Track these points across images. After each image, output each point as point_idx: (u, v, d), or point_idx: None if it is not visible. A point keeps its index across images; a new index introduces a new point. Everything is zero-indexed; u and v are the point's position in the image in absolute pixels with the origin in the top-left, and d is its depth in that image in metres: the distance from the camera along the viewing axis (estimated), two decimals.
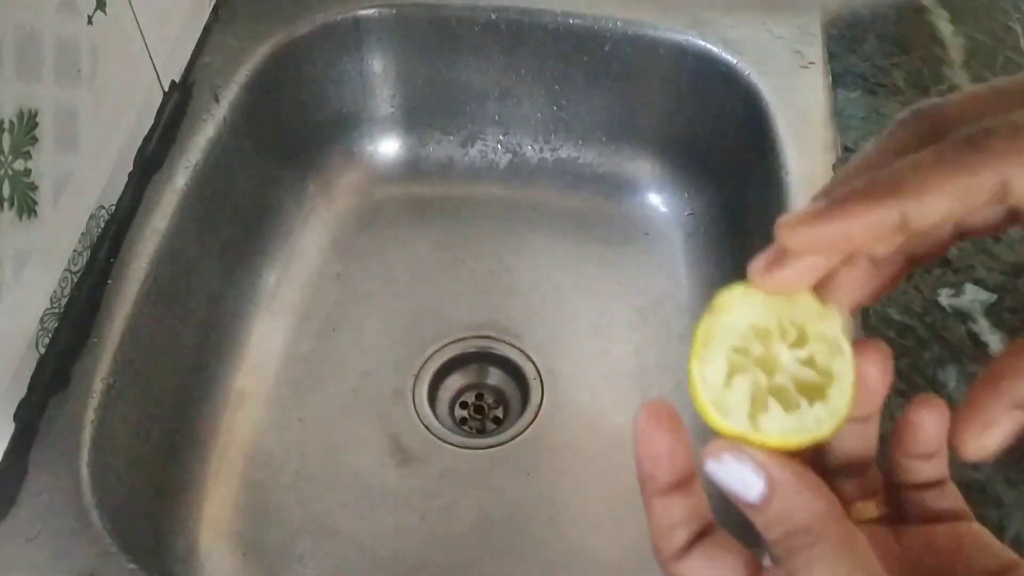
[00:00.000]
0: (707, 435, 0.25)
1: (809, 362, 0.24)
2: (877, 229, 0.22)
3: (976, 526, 0.26)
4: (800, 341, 0.24)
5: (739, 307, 0.24)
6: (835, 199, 0.22)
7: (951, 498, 0.26)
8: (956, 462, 0.51)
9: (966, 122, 0.22)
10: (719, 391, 0.24)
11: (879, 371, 0.24)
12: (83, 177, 0.58)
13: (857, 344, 0.24)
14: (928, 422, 0.25)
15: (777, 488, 0.23)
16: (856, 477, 0.26)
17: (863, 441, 0.26)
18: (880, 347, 0.24)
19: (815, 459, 0.26)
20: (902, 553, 0.26)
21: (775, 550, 0.23)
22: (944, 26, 0.75)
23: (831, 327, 0.24)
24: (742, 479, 0.23)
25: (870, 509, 0.26)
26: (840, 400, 0.23)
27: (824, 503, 0.23)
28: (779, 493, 0.23)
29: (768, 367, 0.24)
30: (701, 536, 0.25)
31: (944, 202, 0.21)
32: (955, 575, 0.25)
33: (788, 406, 0.23)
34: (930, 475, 0.26)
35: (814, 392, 0.24)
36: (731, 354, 0.24)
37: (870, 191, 0.22)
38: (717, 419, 0.24)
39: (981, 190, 0.21)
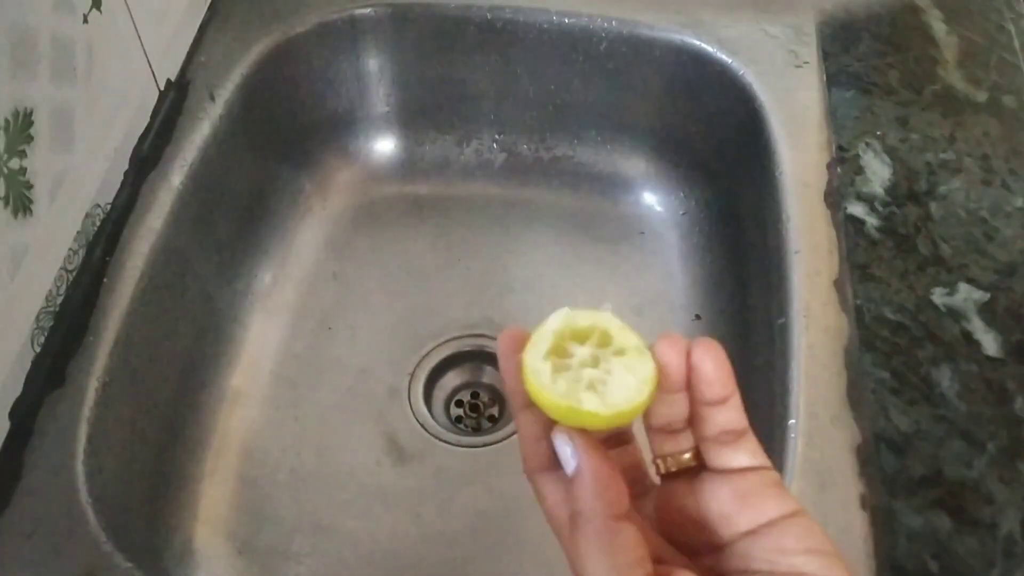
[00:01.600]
0: None
1: (619, 353, 0.30)
2: None
3: (772, 475, 0.31)
4: (606, 342, 0.31)
5: (559, 318, 0.31)
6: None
7: (749, 450, 0.31)
8: (950, 459, 0.51)
9: None
10: (548, 375, 0.29)
11: (676, 357, 0.30)
12: (79, 176, 0.58)
13: (658, 339, 0.30)
14: (706, 364, 0.30)
15: (581, 471, 0.29)
16: (674, 434, 0.32)
17: (677, 408, 0.31)
18: (676, 340, 0.30)
19: (644, 418, 0.32)
20: (697, 505, 0.31)
21: (573, 520, 0.29)
22: (938, 26, 0.76)
23: (632, 336, 0.30)
24: (565, 456, 0.29)
25: (687, 460, 0.32)
26: (639, 384, 0.29)
27: (604, 501, 0.28)
28: (581, 475, 0.29)
29: (586, 364, 0.30)
30: None
31: None
32: (738, 523, 0.30)
33: (602, 391, 0.29)
34: (727, 425, 0.31)
35: (623, 378, 0.30)
36: (555, 348, 0.30)
37: None
38: (547, 396, 0.29)
39: None
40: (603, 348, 0.30)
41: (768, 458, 0.31)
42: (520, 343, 0.30)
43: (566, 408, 0.29)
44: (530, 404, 0.30)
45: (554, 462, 0.30)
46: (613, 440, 0.34)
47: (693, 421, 0.31)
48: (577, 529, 0.29)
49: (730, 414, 0.30)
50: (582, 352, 0.30)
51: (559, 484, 0.30)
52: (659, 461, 0.32)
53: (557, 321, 0.30)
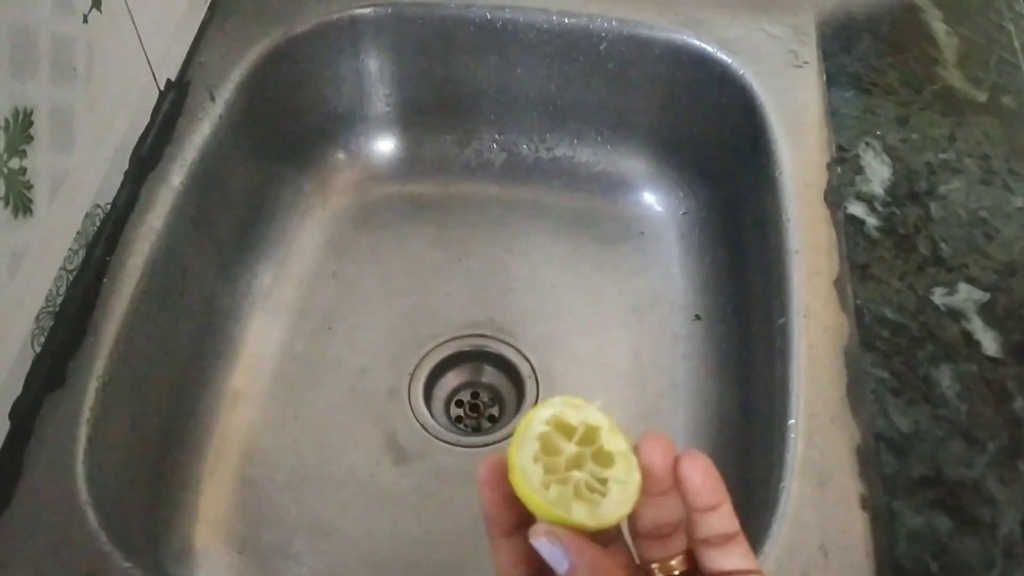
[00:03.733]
0: None
1: (605, 460, 0.31)
2: None
3: None
4: (591, 439, 0.31)
5: (549, 411, 0.31)
6: None
7: (740, 553, 0.31)
8: (950, 460, 0.51)
9: None
10: (539, 478, 0.30)
11: (661, 459, 0.30)
12: (79, 176, 0.58)
13: (642, 440, 0.31)
14: (695, 476, 0.30)
15: (576, 567, 0.29)
16: (662, 539, 0.32)
17: (664, 511, 0.31)
18: (660, 440, 0.30)
19: (631, 522, 0.32)
20: None
21: None
22: (938, 26, 0.76)
23: (620, 440, 0.31)
24: (555, 556, 0.29)
25: (675, 566, 0.32)
26: (626, 495, 0.30)
27: None
28: (576, 570, 0.29)
29: (572, 464, 0.31)
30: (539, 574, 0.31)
31: None
32: None
33: (590, 499, 0.30)
34: (719, 529, 0.31)
35: (609, 483, 0.30)
36: (543, 447, 0.30)
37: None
38: (539, 501, 0.29)
39: None
40: (589, 446, 0.31)
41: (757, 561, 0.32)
42: (504, 473, 0.30)
43: (556, 516, 0.29)
44: (510, 532, 0.31)
45: None
46: (600, 540, 0.34)
47: (687, 522, 0.32)
48: None
49: (722, 519, 0.31)
50: (569, 450, 0.31)
51: None
52: (654, 566, 0.32)
53: (547, 413, 0.31)
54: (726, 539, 0.31)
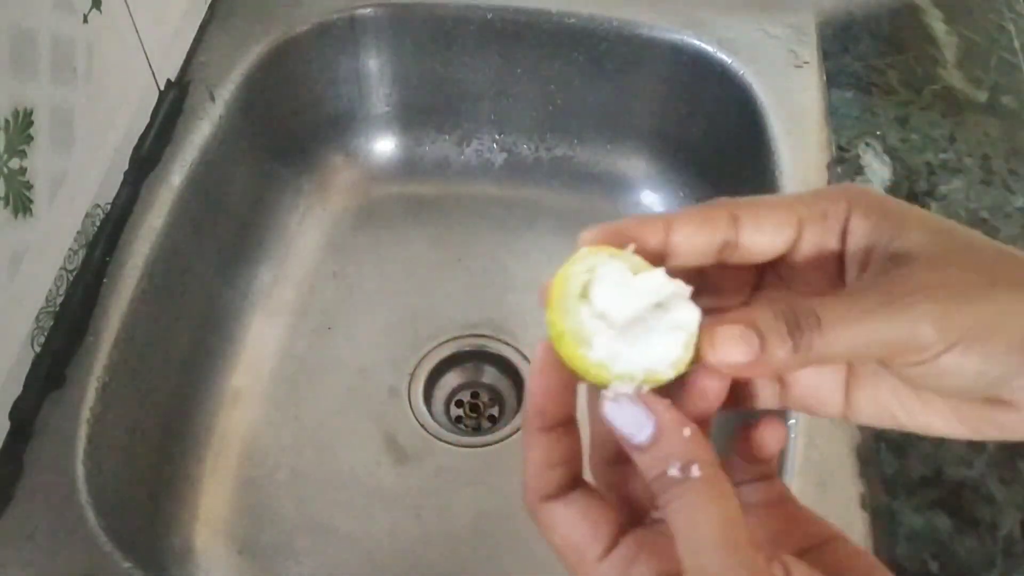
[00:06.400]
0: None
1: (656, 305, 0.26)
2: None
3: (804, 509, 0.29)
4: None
5: (584, 258, 0.27)
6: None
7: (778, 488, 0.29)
8: (950, 460, 0.51)
9: None
10: (584, 327, 0.25)
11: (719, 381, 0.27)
12: (79, 176, 0.58)
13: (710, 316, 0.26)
14: (770, 440, 0.28)
15: (664, 430, 0.25)
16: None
17: (709, 399, 0.27)
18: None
19: None
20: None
21: (655, 487, 0.25)
22: (938, 26, 0.76)
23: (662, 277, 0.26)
24: (636, 421, 0.25)
25: None
26: (691, 338, 0.26)
27: (703, 450, 0.25)
28: (666, 434, 0.25)
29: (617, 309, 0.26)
30: (572, 485, 0.27)
31: (695, 233, 0.27)
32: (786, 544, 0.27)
33: (642, 344, 0.25)
34: (757, 473, 0.29)
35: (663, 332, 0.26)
36: (585, 294, 0.26)
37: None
38: (583, 354, 0.25)
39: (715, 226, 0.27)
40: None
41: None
42: (558, 362, 0.27)
43: (621, 374, 0.25)
44: (551, 427, 0.27)
45: (566, 488, 0.27)
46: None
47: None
48: (670, 494, 0.24)
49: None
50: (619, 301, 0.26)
51: (573, 508, 0.27)
52: None
53: (581, 267, 0.26)
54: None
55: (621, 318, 0.25)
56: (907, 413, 0.28)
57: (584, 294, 0.26)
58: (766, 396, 0.30)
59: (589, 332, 0.25)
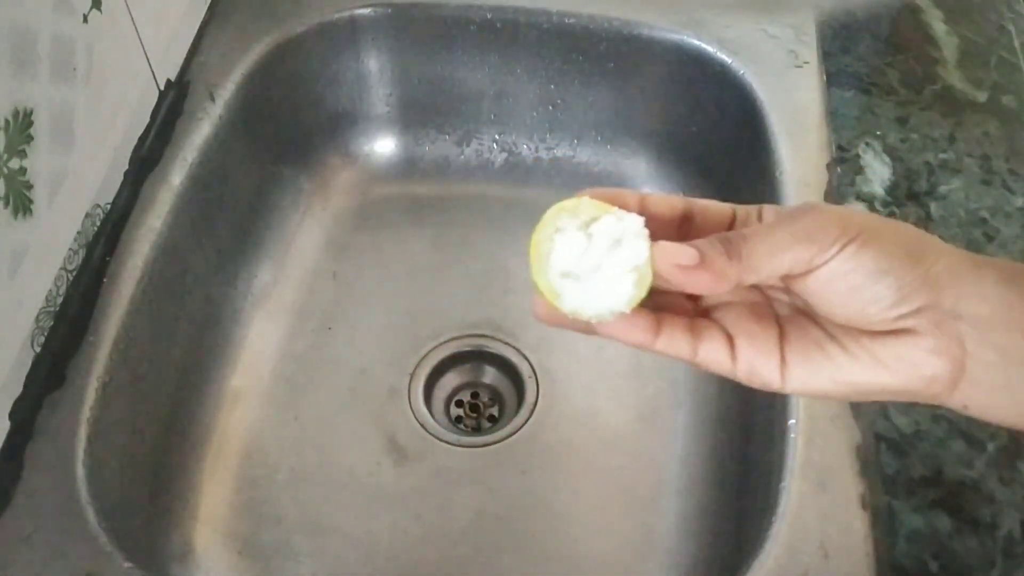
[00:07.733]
0: None
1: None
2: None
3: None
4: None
5: (551, 221, 0.33)
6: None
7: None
8: (950, 460, 0.51)
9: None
10: (553, 285, 0.32)
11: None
12: (79, 175, 0.58)
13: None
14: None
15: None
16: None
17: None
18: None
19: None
20: None
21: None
22: (938, 26, 0.76)
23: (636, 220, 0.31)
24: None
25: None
26: (636, 281, 0.31)
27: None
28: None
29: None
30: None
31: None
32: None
33: (604, 288, 0.31)
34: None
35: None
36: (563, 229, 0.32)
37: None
38: (559, 305, 0.32)
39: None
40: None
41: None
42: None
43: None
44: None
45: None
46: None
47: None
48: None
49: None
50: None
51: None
52: None
53: (552, 228, 0.32)
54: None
55: (581, 270, 0.31)
56: (835, 366, 0.32)
57: (550, 254, 0.32)
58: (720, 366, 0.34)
59: (558, 288, 0.32)
